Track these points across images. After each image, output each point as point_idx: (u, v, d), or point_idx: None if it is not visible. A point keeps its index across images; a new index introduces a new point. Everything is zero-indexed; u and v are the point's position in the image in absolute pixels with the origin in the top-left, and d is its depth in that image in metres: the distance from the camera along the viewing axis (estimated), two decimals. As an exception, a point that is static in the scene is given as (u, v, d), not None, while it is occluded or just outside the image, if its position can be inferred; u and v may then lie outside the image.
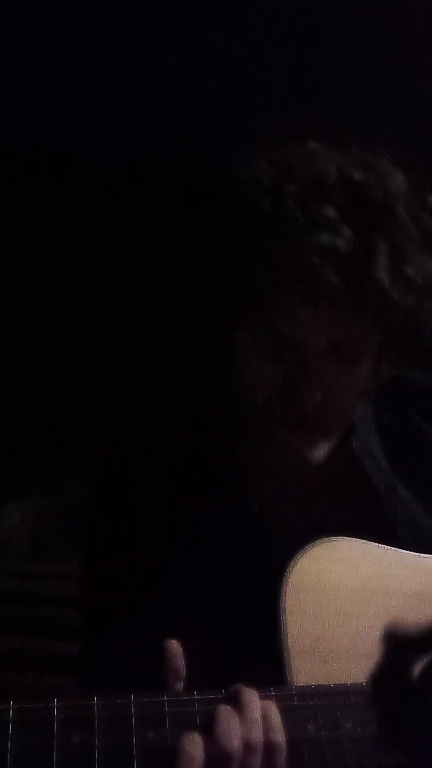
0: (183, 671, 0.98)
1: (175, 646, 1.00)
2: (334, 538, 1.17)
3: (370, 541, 1.20)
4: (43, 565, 2.87)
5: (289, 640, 1.06)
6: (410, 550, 1.23)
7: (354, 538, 1.19)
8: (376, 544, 1.21)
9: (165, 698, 0.93)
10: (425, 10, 2.22)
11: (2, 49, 2.42)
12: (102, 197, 2.63)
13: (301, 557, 1.13)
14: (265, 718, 0.96)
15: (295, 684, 1.03)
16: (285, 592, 1.10)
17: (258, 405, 1.20)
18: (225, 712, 0.94)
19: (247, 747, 0.94)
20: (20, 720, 0.83)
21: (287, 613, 1.08)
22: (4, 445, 2.80)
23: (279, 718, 0.97)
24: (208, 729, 0.92)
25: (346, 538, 1.18)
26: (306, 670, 1.05)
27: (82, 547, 1.28)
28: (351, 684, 1.06)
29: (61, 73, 2.50)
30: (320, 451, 1.23)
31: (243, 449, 1.26)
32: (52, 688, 2.39)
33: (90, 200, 2.66)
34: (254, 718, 0.95)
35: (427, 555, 1.24)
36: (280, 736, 0.96)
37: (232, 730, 0.93)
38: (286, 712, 0.99)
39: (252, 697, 0.97)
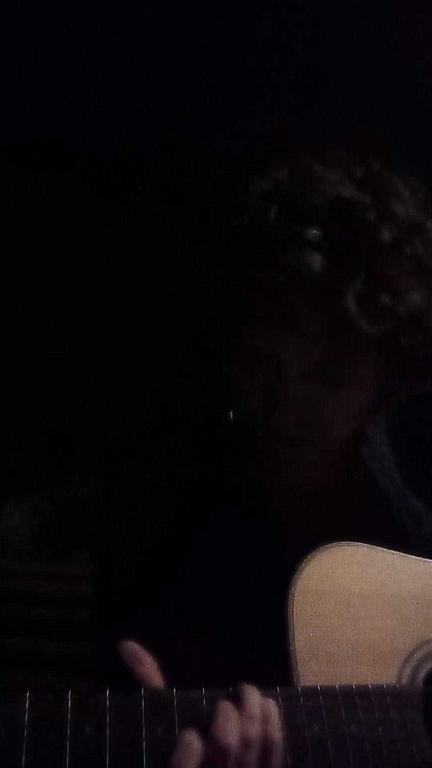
0: (151, 675, 0.97)
1: (133, 649, 0.98)
2: (342, 543, 1.17)
3: (379, 546, 1.21)
4: (43, 565, 2.87)
5: (296, 644, 1.07)
6: (394, 551, 1.23)
7: (362, 543, 1.19)
8: (385, 549, 1.21)
9: (174, 695, 0.94)
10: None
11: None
12: (95, 202, 2.64)
13: (309, 562, 1.14)
14: (264, 715, 0.97)
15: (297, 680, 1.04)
16: (293, 596, 1.10)
17: (245, 415, 1.20)
18: (224, 707, 0.95)
19: (245, 743, 0.94)
20: (35, 712, 0.83)
21: (295, 617, 1.09)
22: (4, 445, 2.80)
23: (278, 716, 0.97)
24: (208, 724, 0.93)
25: (355, 543, 1.19)
26: (312, 673, 1.06)
27: (93, 546, 1.28)
28: (356, 686, 1.06)
29: (59, 70, 2.50)
30: (320, 471, 1.23)
31: (249, 454, 1.26)
32: (52, 688, 2.39)
33: (83, 202, 2.66)
34: (253, 714, 0.96)
35: None
36: (277, 734, 0.96)
37: (229, 725, 0.93)
38: (290, 712, 0.99)
39: (252, 695, 0.97)
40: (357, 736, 1.02)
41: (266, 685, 1.00)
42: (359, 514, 1.24)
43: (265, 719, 0.96)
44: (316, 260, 1.11)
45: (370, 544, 1.20)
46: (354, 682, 1.06)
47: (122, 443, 1.45)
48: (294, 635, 1.07)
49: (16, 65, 2.47)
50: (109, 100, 2.56)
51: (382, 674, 1.12)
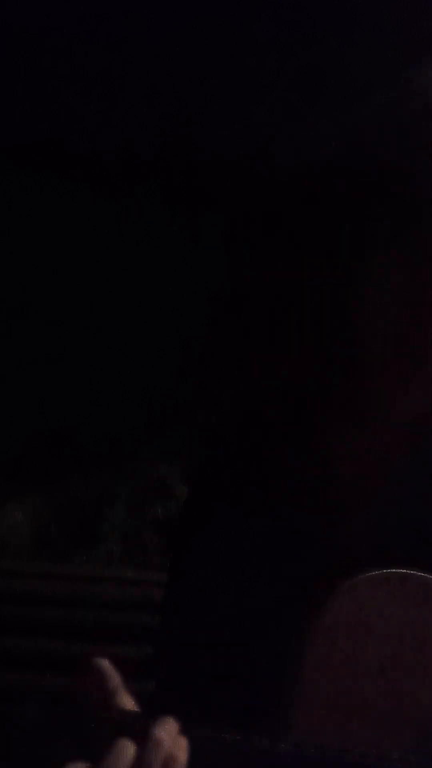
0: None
1: (104, 667, 0.91)
2: (390, 572, 0.96)
3: None
4: (43, 565, 2.87)
5: (305, 684, 0.93)
6: None
7: (416, 573, 0.96)
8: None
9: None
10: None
11: None
12: (95, 202, 2.63)
13: (342, 594, 0.95)
14: (171, 758, 0.86)
15: (296, 728, 0.91)
16: (314, 632, 0.93)
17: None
18: (120, 747, 0.85)
19: None
20: None
21: (312, 656, 0.93)
22: (4, 445, 2.80)
23: (185, 760, 0.86)
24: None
25: (405, 572, 0.96)
26: (314, 720, 0.92)
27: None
28: (368, 752, 0.91)
29: (59, 70, 2.50)
30: (378, 444, 1.05)
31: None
32: (53, 688, 2.39)
33: (83, 202, 2.66)
34: (154, 758, 0.85)
35: None
36: None
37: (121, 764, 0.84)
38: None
39: (162, 734, 0.86)
40: None
41: (256, 721, 0.88)
42: (412, 523, 1.06)
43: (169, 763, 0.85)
44: None
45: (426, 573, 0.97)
46: (369, 743, 0.91)
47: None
48: (306, 674, 0.92)
49: (16, 65, 2.46)
50: (109, 100, 2.55)
51: (392, 741, 0.94)
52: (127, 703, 0.90)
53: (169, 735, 0.86)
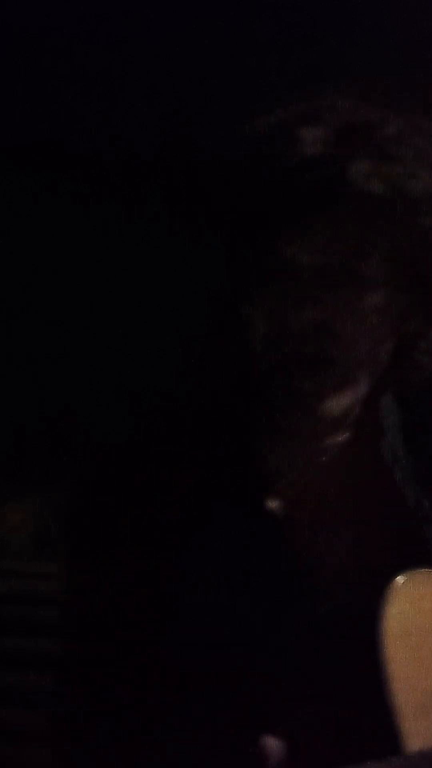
0: None
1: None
2: (425, 570, 1.00)
3: None
4: (43, 565, 2.86)
5: (398, 696, 0.91)
6: None
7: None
8: None
9: None
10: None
11: None
12: (95, 202, 2.64)
13: (396, 597, 0.96)
14: None
15: (409, 746, 0.90)
16: (385, 641, 0.93)
17: (270, 349, 1.10)
18: None
19: None
20: None
21: (390, 664, 0.92)
22: (4, 445, 2.80)
23: None
24: None
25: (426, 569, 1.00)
26: (419, 732, 0.91)
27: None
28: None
29: (58, 70, 2.50)
30: (337, 401, 1.14)
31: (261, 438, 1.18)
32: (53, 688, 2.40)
33: (83, 203, 2.66)
34: None
35: None
36: None
37: None
38: None
39: None
40: None
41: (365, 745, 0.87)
42: (376, 513, 1.16)
43: None
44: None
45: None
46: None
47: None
48: (394, 686, 0.91)
49: (16, 65, 2.47)
50: (109, 100, 2.55)
51: None
52: None
53: None
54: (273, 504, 1.18)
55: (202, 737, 0.96)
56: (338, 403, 1.14)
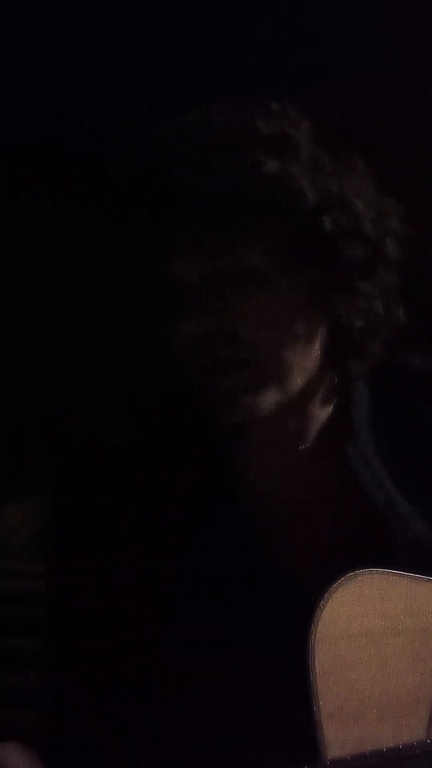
0: None
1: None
2: (359, 573, 1.01)
3: (395, 571, 1.05)
4: (43, 565, 2.86)
5: (320, 703, 0.92)
6: (413, 575, 1.06)
7: (380, 569, 1.04)
8: (401, 573, 1.05)
9: None
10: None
11: None
12: (95, 202, 2.63)
13: (327, 601, 0.97)
14: None
15: (329, 751, 0.92)
16: (313, 646, 0.94)
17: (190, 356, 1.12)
18: None
19: None
20: None
21: (317, 670, 0.93)
22: (4, 445, 2.80)
23: None
24: None
25: (371, 570, 1.03)
26: (338, 737, 0.93)
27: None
28: (387, 749, 0.94)
29: (59, 70, 2.50)
30: (266, 399, 1.14)
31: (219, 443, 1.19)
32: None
33: (83, 203, 2.66)
34: None
35: None
36: None
37: None
38: None
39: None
40: None
41: (285, 750, 0.88)
42: (344, 521, 1.14)
43: None
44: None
45: (386, 568, 1.03)
46: (384, 738, 0.93)
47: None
48: (318, 693, 0.92)
49: (16, 65, 2.46)
50: (109, 100, 2.55)
51: (408, 729, 0.97)
52: None
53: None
54: (237, 502, 1.19)
55: (202, 737, 0.96)
56: (269, 399, 1.15)
